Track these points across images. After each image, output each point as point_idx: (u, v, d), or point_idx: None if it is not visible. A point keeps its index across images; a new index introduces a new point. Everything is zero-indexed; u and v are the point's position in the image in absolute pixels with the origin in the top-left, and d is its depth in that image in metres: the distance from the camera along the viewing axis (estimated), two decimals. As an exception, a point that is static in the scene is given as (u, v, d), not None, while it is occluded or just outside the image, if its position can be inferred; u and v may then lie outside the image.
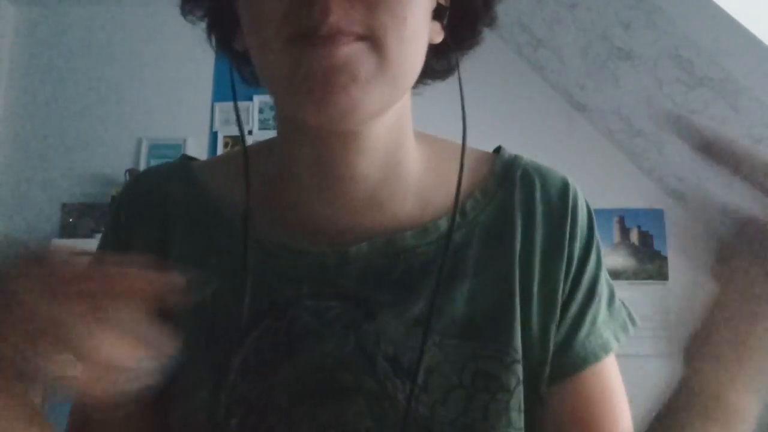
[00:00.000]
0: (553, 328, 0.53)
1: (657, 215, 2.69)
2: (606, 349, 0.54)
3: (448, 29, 0.53)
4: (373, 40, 0.43)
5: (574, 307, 0.54)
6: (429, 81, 0.57)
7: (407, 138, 0.54)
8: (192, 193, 0.56)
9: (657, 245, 2.67)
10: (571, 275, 0.54)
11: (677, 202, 2.68)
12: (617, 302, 0.58)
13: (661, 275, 2.63)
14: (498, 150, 0.61)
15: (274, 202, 0.54)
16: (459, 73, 0.55)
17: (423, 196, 0.54)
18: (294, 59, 0.43)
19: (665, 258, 2.65)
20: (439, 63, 0.55)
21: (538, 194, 0.55)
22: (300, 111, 0.45)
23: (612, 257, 2.65)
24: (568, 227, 0.54)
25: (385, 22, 0.43)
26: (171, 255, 0.54)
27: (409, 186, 0.54)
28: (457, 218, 0.54)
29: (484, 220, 0.54)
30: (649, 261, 2.65)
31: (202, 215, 0.55)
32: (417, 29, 0.45)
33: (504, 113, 2.74)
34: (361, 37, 0.43)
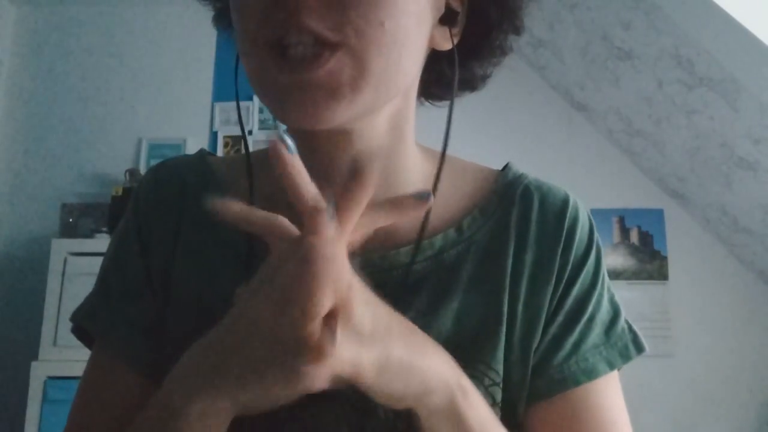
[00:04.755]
0: (533, 349, 0.52)
1: (657, 215, 2.68)
2: (590, 375, 0.52)
3: (463, 37, 0.52)
4: (349, 49, 0.43)
5: (554, 329, 0.52)
6: (464, 92, 0.56)
7: (406, 147, 0.53)
8: (207, 185, 0.57)
9: (657, 245, 2.67)
10: (558, 296, 0.53)
11: (677, 202, 2.68)
12: (620, 326, 0.55)
13: (661, 275, 2.63)
14: (506, 167, 0.59)
15: (277, 206, 0.54)
16: (454, 87, 0.53)
17: None
18: (270, 72, 0.44)
19: (665, 258, 2.65)
20: (460, 72, 0.54)
21: (534, 213, 0.54)
22: (282, 117, 0.46)
23: (612, 257, 2.65)
24: (561, 247, 0.53)
25: (358, 26, 0.42)
26: (181, 241, 0.55)
27: None
28: (454, 235, 0.53)
29: (480, 239, 0.53)
30: (649, 261, 2.65)
31: None
32: (399, 35, 0.44)
33: (504, 114, 2.74)
34: (335, 46, 0.42)
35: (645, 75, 2.27)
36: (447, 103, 0.55)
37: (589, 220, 0.56)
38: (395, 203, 0.39)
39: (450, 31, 0.50)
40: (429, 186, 0.53)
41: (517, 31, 0.54)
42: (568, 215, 0.54)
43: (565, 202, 0.55)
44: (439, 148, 0.56)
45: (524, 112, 2.77)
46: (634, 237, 2.67)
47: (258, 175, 0.55)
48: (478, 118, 2.61)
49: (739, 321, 2.58)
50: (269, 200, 0.55)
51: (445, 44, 0.51)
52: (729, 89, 2.01)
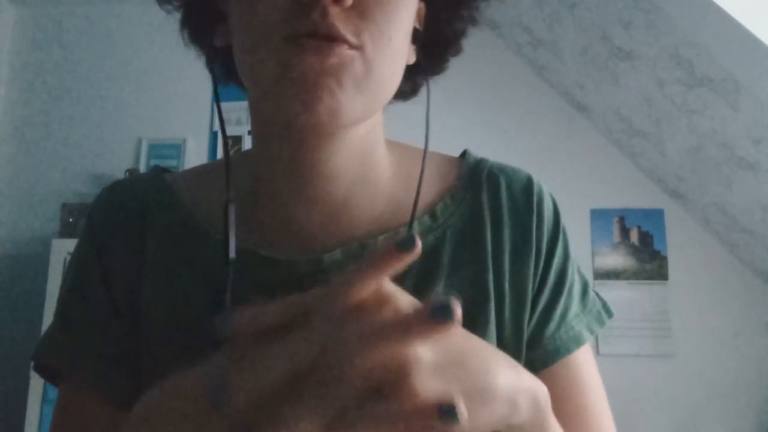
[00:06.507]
0: (525, 324, 0.54)
1: (657, 215, 2.68)
2: (578, 342, 0.55)
3: (421, 53, 0.56)
4: (363, 53, 0.46)
5: (542, 302, 0.55)
6: (394, 101, 0.59)
7: (379, 145, 0.56)
8: (167, 204, 0.56)
9: (657, 245, 2.66)
10: (540, 270, 0.55)
11: (677, 202, 2.68)
12: (591, 294, 0.59)
13: (661, 275, 2.63)
14: (464, 154, 0.62)
15: (250, 209, 0.54)
16: (428, 93, 0.58)
17: (394, 201, 0.55)
18: (285, 60, 0.44)
19: (665, 258, 2.65)
20: (406, 84, 0.58)
21: (503, 193, 0.57)
22: (286, 111, 0.46)
23: (612, 257, 2.65)
24: (534, 223, 0.56)
25: (374, 35, 0.46)
26: (147, 264, 0.54)
27: (381, 190, 0.55)
28: (429, 222, 0.55)
29: (454, 223, 0.55)
30: (649, 261, 2.65)
31: (177, 226, 0.55)
32: (399, 48, 0.48)
33: (504, 113, 2.74)
34: (350, 47, 0.45)
35: (645, 75, 2.27)
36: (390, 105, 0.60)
37: (551, 195, 0.59)
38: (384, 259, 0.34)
39: (415, 49, 0.56)
40: (410, 183, 0.55)
41: (458, 52, 0.60)
42: (534, 192, 0.57)
43: (530, 180, 0.58)
44: (414, 143, 0.60)
45: (524, 112, 2.77)
46: (634, 237, 2.67)
47: (226, 188, 0.53)
48: (477, 118, 2.61)
49: (739, 321, 2.58)
50: (240, 218, 0.53)
51: (411, 59, 0.55)
52: (729, 89, 2.01)
